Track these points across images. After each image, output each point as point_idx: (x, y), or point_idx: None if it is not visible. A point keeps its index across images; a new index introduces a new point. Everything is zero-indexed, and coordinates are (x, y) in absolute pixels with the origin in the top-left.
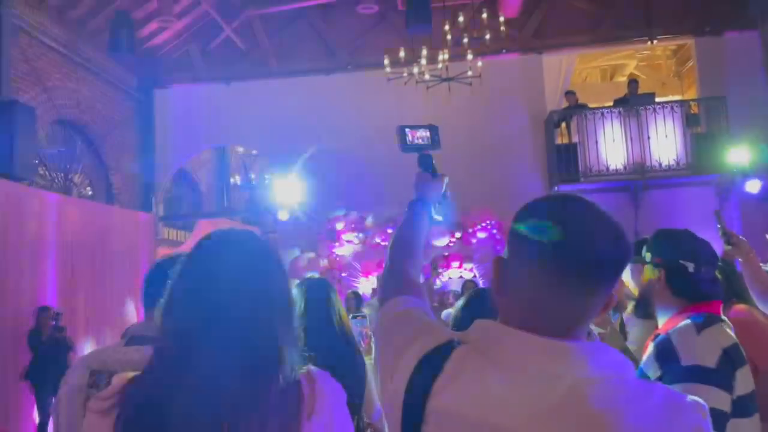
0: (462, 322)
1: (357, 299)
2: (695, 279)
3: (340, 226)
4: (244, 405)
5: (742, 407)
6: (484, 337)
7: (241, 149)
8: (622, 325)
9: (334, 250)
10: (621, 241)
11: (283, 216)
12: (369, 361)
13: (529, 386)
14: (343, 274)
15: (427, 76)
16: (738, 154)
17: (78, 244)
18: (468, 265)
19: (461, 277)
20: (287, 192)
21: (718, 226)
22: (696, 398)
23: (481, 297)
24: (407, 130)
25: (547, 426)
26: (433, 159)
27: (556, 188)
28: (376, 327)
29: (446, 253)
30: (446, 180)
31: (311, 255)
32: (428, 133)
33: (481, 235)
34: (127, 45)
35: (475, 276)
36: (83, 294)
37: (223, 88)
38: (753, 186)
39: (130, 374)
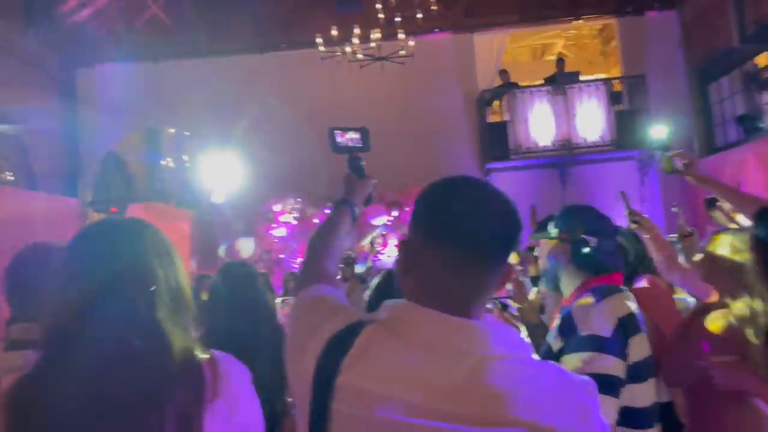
0: (375, 303)
1: (296, 280)
2: (597, 252)
3: (277, 207)
4: (134, 394)
5: (636, 373)
6: (392, 316)
7: (172, 131)
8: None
9: (271, 232)
10: (507, 218)
11: (218, 199)
12: None
13: (436, 363)
14: (282, 256)
15: (360, 56)
16: (657, 130)
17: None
18: None
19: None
20: (222, 174)
21: (624, 205)
22: (585, 378)
23: (393, 277)
24: (336, 132)
25: (451, 401)
26: (362, 161)
27: (487, 166)
28: (289, 312)
29: (384, 233)
30: (374, 182)
31: (248, 240)
32: (358, 135)
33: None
34: (46, 21)
35: None
36: None
37: (152, 68)
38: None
39: (14, 376)
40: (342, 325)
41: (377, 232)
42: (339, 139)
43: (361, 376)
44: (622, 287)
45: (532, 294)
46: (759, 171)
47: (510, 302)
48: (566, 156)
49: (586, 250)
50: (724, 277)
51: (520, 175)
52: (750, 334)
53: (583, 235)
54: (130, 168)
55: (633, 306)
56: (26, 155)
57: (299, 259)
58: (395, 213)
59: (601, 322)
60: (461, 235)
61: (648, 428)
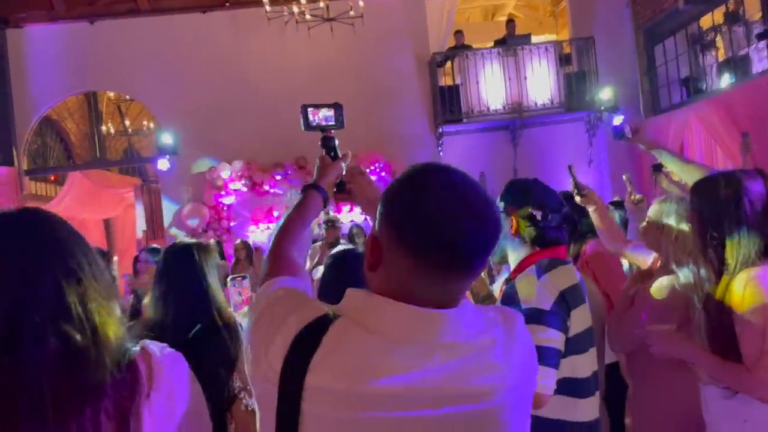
0: (328, 283)
1: (247, 248)
2: (542, 226)
3: (225, 174)
4: (75, 390)
5: (577, 344)
6: (362, 308)
7: (112, 94)
8: (490, 269)
9: (220, 200)
10: (487, 223)
11: (163, 165)
12: (246, 322)
13: (413, 354)
14: (232, 224)
15: (308, 16)
16: (604, 92)
17: None
18: (358, 209)
19: (352, 221)
20: (167, 140)
21: (570, 179)
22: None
23: (347, 258)
24: (310, 109)
25: (429, 390)
26: (335, 141)
27: (440, 129)
28: (250, 305)
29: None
30: (348, 161)
31: (197, 206)
32: (332, 113)
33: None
34: None
35: (365, 220)
36: None
37: (87, 28)
38: (618, 121)
39: None
40: (308, 320)
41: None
42: (312, 117)
43: (334, 372)
44: (566, 260)
45: None
46: (702, 132)
47: None
48: (517, 119)
49: (532, 224)
50: (668, 245)
51: (473, 139)
52: (695, 300)
53: (528, 209)
54: (68, 134)
55: (576, 278)
56: None
57: (251, 227)
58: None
59: (542, 295)
60: (438, 249)
61: (589, 396)
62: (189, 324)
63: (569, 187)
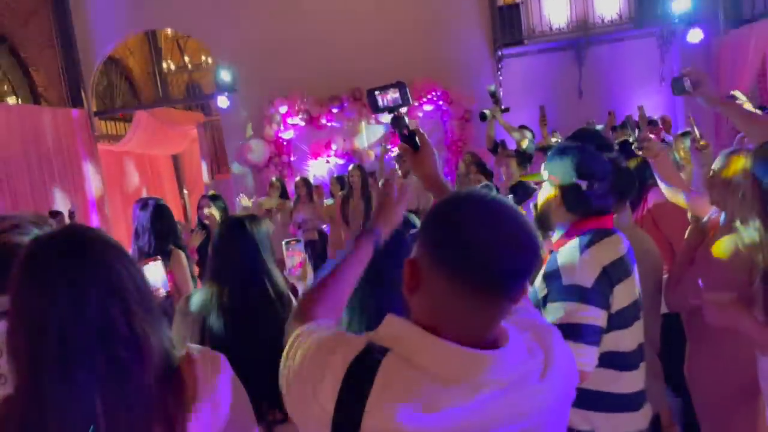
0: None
1: (307, 185)
2: (588, 195)
3: (283, 109)
4: (124, 409)
5: (620, 320)
6: (408, 344)
7: (170, 32)
8: None
9: (279, 135)
10: (524, 251)
11: (223, 102)
12: (301, 286)
13: (462, 393)
14: (292, 158)
15: None
16: (679, 2)
17: (8, 152)
18: None
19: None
20: (225, 77)
21: (629, 132)
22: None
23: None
24: (377, 93)
25: (479, 425)
26: (406, 119)
27: (499, 52)
28: (287, 349)
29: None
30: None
31: (258, 142)
32: (397, 93)
33: (428, 107)
34: None
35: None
36: (22, 204)
37: None
38: (694, 36)
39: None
40: (354, 354)
41: (385, 132)
42: (380, 101)
43: (391, 415)
44: (611, 230)
45: None
46: None
47: None
48: (582, 37)
49: (576, 194)
50: (734, 201)
51: (535, 61)
52: (759, 259)
53: (573, 179)
54: (131, 72)
55: (621, 249)
56: (25, 69)
57: (310, 161)
58: (403, 108)
59: (584, 271)
60: (474, 272)
61: (633, 369)
62: (244, 297)
63: (636, 112)
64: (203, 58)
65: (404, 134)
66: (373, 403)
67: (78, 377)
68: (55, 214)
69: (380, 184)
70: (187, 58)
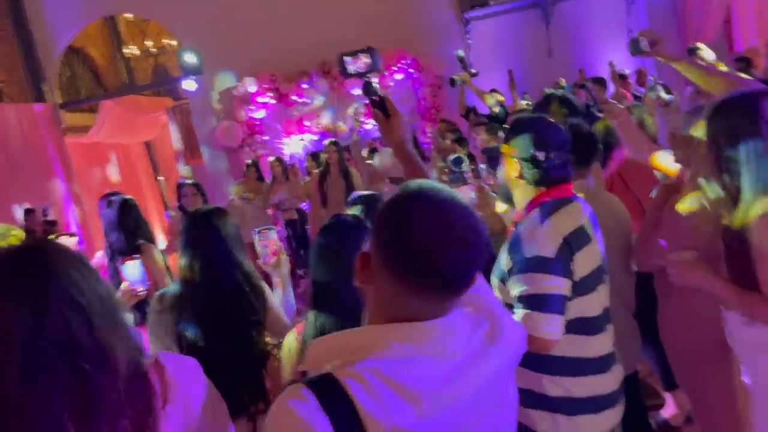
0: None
1: (282, 165)
2: (546, 166)
3: (252, 88)
4: (86, 421)
5: (584, 286)
6: (347, 354)
7: (130, 16)
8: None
9: (250, 114)
10: (469, 253)
11: (189, 86)
12: (275, 275)
13: (425, 369)
14: (265, 138)
15: None
16: None
17: None
18: None
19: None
20: (190, 59)
21: (591, 96)
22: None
23: (339, 226)
24: (347, 59)
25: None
26: (376, 84)
27: (465, 15)
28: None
29: (366, 101)
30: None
31: (230, 123)
32: (369, 58)
33: (398, 76)
34: None
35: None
36: None
37: None
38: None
39: None
40: (311, 395)
41: (357, 105)
42: (350, 66)
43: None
44: (571, 198)
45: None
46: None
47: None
48: None
49: (535, 165)
50: (697, 160)
51: (502, 21)
52: (722, 216)
53: (531, 151)
54: (94, 61)
55: (581, 217)
56: None
57: (285, 139)
58: (375, 80)
59: (545, 242)
60: (421, 274)
61: (600, 332)
62: (216, 292)
63: (606, 68)
64: (165, 40)
65: (374, 100)
66: (368, 419)
67: (42, 388)
68: (29, 212)
69: (354, 156)
70: (150, 43)
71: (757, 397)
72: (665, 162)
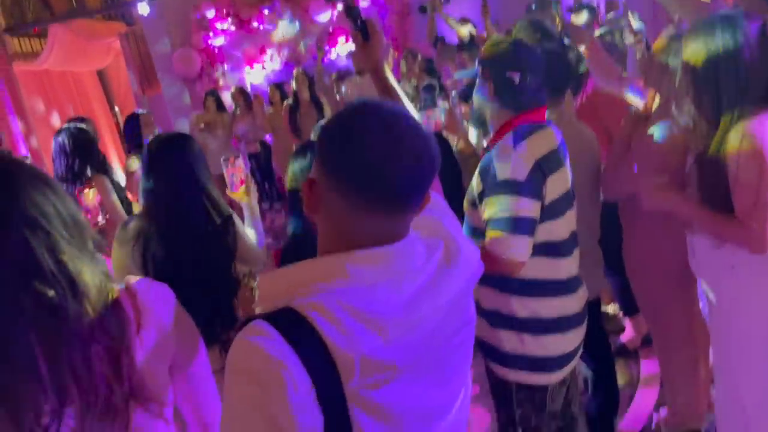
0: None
1: (244, 95)
2: (520, 89)
3: (210, 14)
4: (56, 349)
5: (553, 210)
6: (302, 289)
7: None
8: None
9: (209, 42)
10: (421, 165)
11: (143, 9)
12: (245, 203)
13: (387, 294)
14: (226, 66)
15: None
16: None
17: None
18: None
19: (350, 51)
20: None
21: (555, 17)
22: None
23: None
24: None
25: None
26: (359, 9)
27: None
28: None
29: (330, 29)
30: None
31: (187, 50)
32: None
33: (364, 3)
34: None
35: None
36: None
37: None
38: None
39: None
40: (274, 331)
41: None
42: None
43: (353, 356)
44: (544, 123)
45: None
46: None
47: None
48: None
49: (509, 88)
50: (669, 85)
51: None
52: (693, 142)
53: (506, 72)
54: None
55: (554, 141)
56: None
57: (246, 68)
58: (340, 6)
59: (517, 165)
60: (371, 190)
61: (568, 256)
62: (183, 220)
63: None
64: None
65: (358, 24)
66: (343, 372)
67: (6, 318)
68: None
69: (317, 88)
70: None
71: (719, 316)
72: (632, 94)
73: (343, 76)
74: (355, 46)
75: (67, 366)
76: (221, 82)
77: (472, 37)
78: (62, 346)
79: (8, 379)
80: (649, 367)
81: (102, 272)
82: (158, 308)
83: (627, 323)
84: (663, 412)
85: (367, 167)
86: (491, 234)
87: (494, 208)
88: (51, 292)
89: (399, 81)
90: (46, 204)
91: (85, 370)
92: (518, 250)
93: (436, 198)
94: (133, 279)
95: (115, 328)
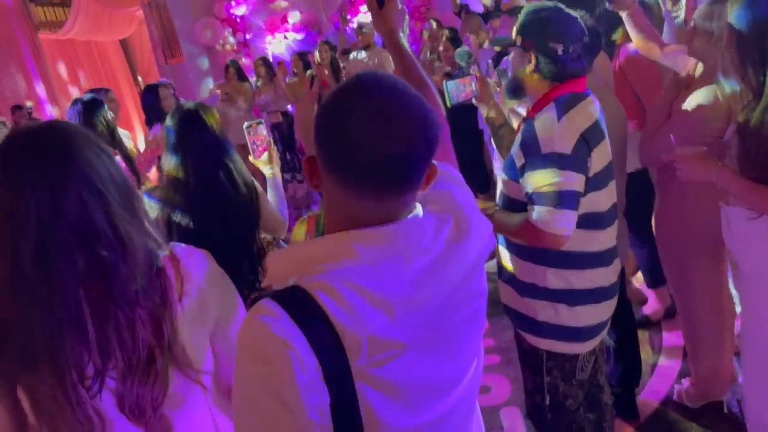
0: None
1: (266, 65)
2: (564, 60)
3: None
4: (104, 308)
5: (597, 182)
6: (309, 267)
7: None
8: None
9: (231, 11)
10: (412, 144)
11: None
12: (267, 170)
13: (395, 272)
14: (248, 36)
15: None
16: None
17: None
18: None
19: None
20: None
21: None
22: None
23: None
24: None
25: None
26: None
27: None
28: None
29: None
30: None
31: (209, 19)
32: None
33: None
34: None
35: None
36: None
37: None
38: None
39: None
40: (281, 310)
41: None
42: None
43: (361, 333)
44: (585, 93)
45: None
46: None
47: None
48: None
49: (552, 59)
50: (716, 52)
51: None
52: (737, 110)
53: (550, 42)
54: None
55: (596, 112)
56: None
57: (268, 38)
58: None
59: (562, 139)
60: (364, 168)
61: (608, 227)
62: (209, 188)
63: None
64: None
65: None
66: (350, 351)
67: (59, 275)
68: (18, 108)
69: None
70: None
71: (749, 286)
72: (674, 61)
73: (347, 50)
74: (370, 12)
75: (113, 327)
76: (243, 52)
77: (497, 3)
78: (110, 307)
79: (55, 337)
80: (671, 339)
81: (152, 238)
82: (199, 275)
83: (650, 294)
84: (685, 383)
85: (352, 148)
86: (536, 208)
87: (539, 181)
88: (104, 253)
89: (419, 54)
90: (101, 167)
91: (129, 332)
92: (564, 224)
93: (446, 169)
94: (176, 245)
95: (158, 294)
